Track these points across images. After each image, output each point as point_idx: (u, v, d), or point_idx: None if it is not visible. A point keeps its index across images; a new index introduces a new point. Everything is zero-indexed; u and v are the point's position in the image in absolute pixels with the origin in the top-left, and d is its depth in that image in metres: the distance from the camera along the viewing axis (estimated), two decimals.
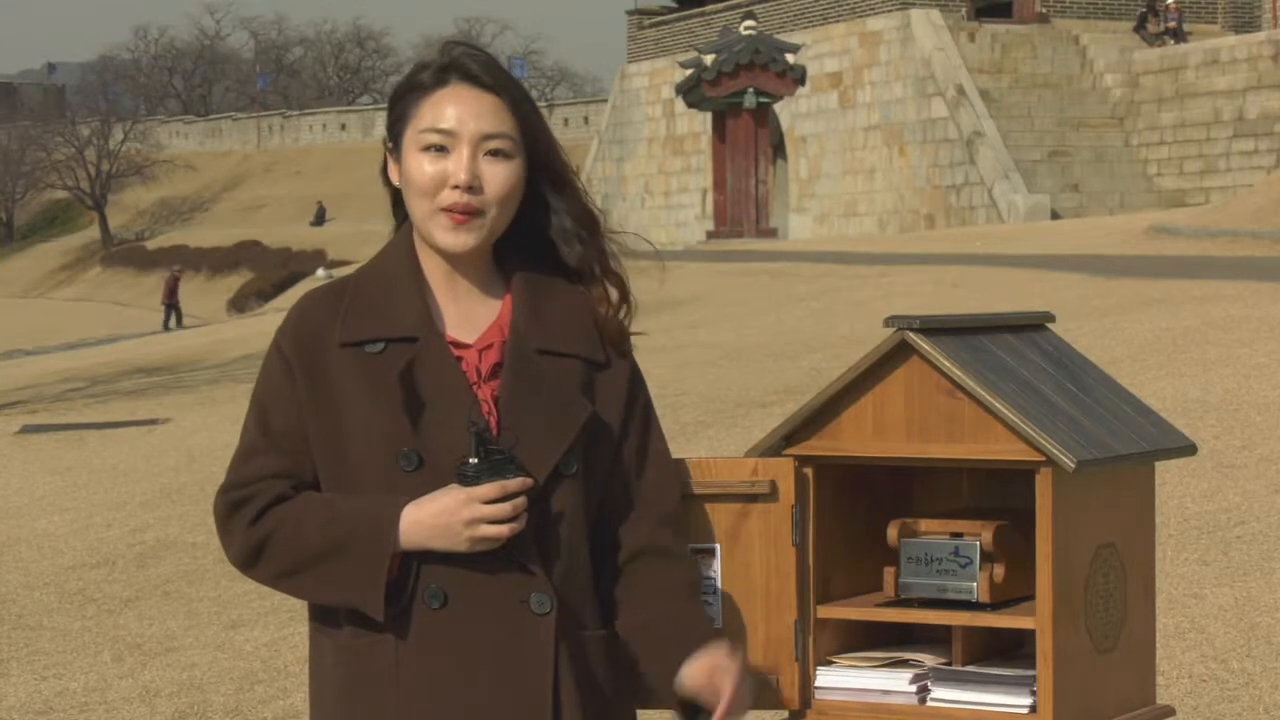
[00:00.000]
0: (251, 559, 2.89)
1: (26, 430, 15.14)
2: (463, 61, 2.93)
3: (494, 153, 2.90)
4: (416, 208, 2.92)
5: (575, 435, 2.88)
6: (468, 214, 2.89)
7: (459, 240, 2.90)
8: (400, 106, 2.95)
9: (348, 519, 2.83)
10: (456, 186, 2.88)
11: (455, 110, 2.90)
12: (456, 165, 2.88)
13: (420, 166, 2.90)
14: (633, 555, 2.96)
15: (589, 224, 3.00)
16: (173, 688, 7.20)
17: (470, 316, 2.95)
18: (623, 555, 2.97)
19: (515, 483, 2.80)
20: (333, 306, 2.93)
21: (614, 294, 3.01)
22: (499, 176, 2.90)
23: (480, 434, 2.80)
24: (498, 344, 2.92)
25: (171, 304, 51.21)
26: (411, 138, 2.92)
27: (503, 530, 2.80)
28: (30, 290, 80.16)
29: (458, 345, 2.91)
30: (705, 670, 2.88)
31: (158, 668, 7.51)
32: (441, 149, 2.89)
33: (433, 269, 2.95)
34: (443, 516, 2.79)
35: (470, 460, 2.80)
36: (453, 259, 2.93)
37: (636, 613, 2.95)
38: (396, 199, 3.04)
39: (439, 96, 2.92)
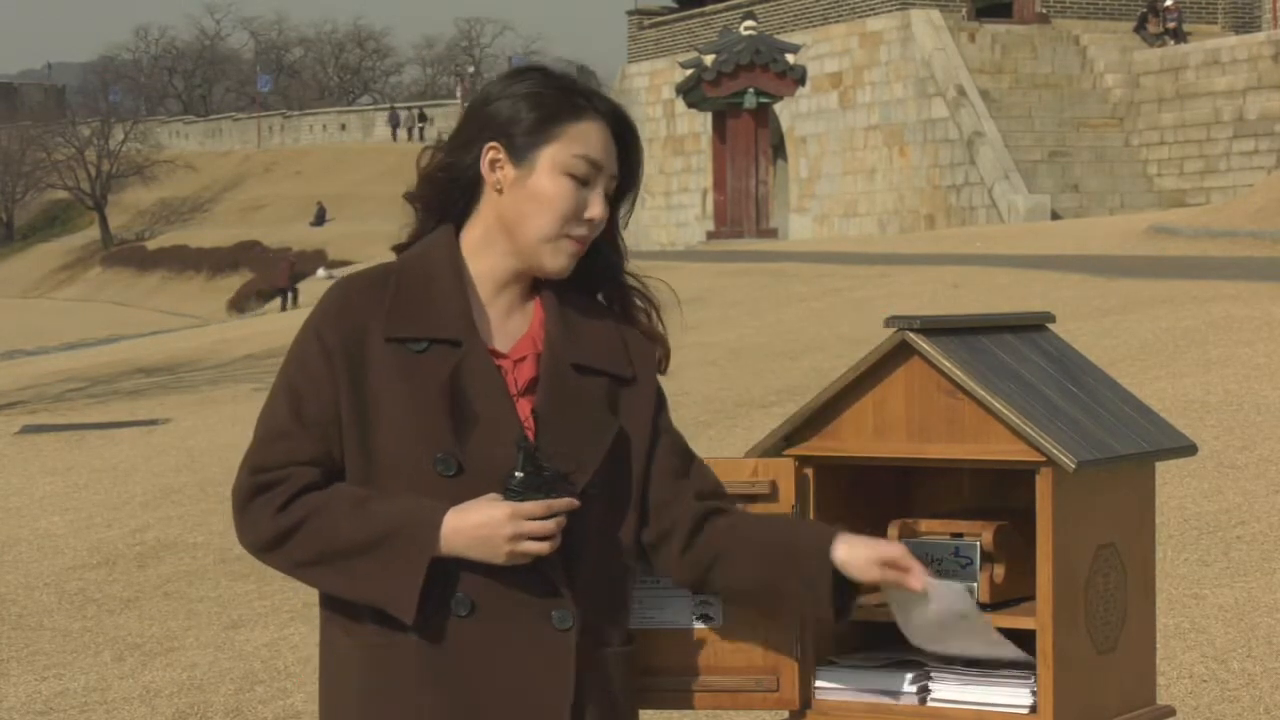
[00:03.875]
0: (274, 544, 2.86)
1: (27, 430, 15.14)
2: (603, 98, 2.97)
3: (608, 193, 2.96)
4: (541, 227, 2.91)
5: (605, 453, 2.89)
6: (584, 244, 2.94)
7: (567, 266, 2.94)
8: (540, 114, 2.92)
9: (388, 517, 2.81)
10: (591, 219, 2.91)
11: (602, 144, 2.93)
12: (596, 201, 2.92)
13: (565, 190, 2.90)
14: (705, 514, 2.98)
15: (620, 263, 3.05)
16: (173, 688, 7.20)
17: (504, 327, 2.95)
18: (692, 523, 2.97)
19: (563, 503, 2.81)
20: (377, 298, 2.90)
21: (644, 310, 3.05)
22: (606, 216, 2.96)
23: (528, 450, 2.81)
24: (531, 357, 2.93)
25: (290, 288, 51.91)
26: (558, 157, 2.91)
27: (543, 547, 2.81)
28: (30, 290, 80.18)
29: (495, 355, 2.92)
30: (869, 553, 2.90)
31: (158, 668, 7.51)
32: (586, 180, 2.92)
33: (482, 276, 2.94)
34: (486, 528, 2.79)
35: (517, 474, 2.80)
36: (519, 275, 2.95)
37: (740, 549, 2.96)
38: (442, 203, 2.98)
39: (589, 127, 2.93)
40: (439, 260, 2.94)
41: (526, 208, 2.91)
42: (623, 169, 2.98)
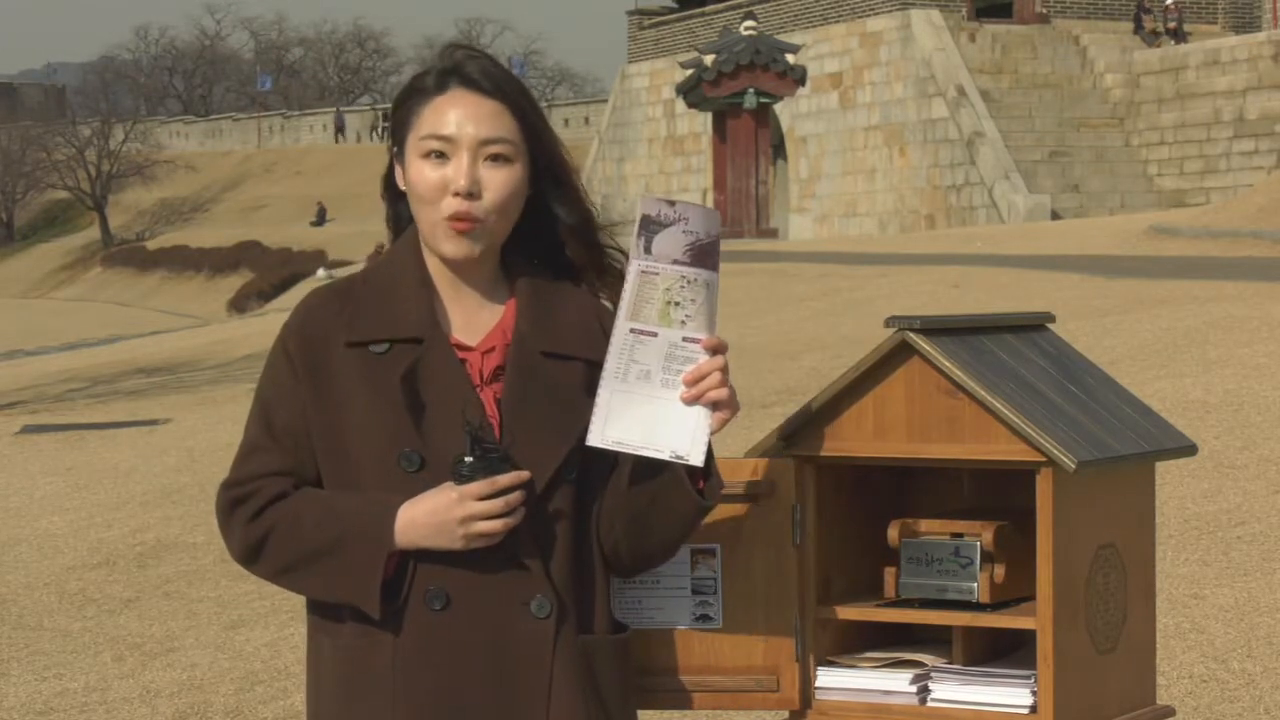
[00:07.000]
0: (252, 555, 2.91)
1: (27, 430, 15.14)
2: (464, 66, 2.93)
3: (494, 158, 2.90)
4: (420, 215, 2.92)
5: (578, 438, 2.88)
6: (469, 221, 2.88)
7: (461, 249, 2.90)
8: (402, 112, 2.96)
9: (344, 517, 2.84)
10: (457, 194, 2.88)
11: (455, 116, 2.90)
12: (456, 172, 2.88)
13: (422, 174, 2.90)
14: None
15: (588, 224, 3.01)
16: (173, 688, 7.20)
17: (474, 319, 2.95)
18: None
19: (506, 478, 2.80)
20: (338, 306, 2.93)
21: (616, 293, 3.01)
22: (498, 182, 2.90)
23: (475, 433, 2.81)
24: (500, 347, 2.93)
25: None
26: (413, 144, 2.92)
27: (496, 525, 2.80)
28: (31, 290, 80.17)
29: (461, 348, 2.92)
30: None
31: (158, 668, 7.51)
32: (442, 155, 2.90)
33: (438, 271, 2.95)
34: (437, 515, 2.80)
35: (465, 459, 2.81)
36: (457, 263, 2.94)
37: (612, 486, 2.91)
38: (393, 204, 3.05)
39: (439, 102, 2.91)
40: (401, 262, 2.96)
41: (411, 201, 2.94)
42: (523, 125, 2.93)
